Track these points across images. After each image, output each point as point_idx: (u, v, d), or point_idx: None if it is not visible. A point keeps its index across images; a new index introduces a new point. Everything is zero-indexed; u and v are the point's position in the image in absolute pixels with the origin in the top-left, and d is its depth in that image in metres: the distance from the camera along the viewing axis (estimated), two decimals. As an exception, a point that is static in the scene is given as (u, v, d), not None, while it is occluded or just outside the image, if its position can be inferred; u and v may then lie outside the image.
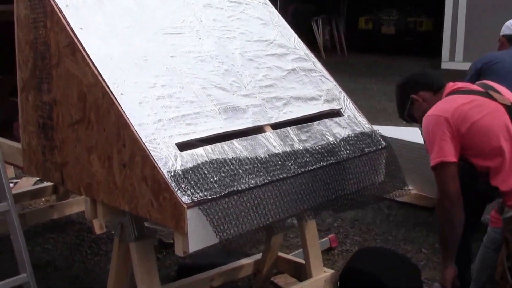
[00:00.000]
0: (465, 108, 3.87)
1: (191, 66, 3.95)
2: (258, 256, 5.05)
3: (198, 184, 3.34)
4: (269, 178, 3.60)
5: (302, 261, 4.77)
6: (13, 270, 5.22)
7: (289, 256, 5.14)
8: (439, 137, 3.84)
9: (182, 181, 3.31)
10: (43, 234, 6.36)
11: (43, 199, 7.12)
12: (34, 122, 4.10)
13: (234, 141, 3.68)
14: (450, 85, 4.16)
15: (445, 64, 17.01)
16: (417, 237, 6.42)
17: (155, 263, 3.81)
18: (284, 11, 21.88)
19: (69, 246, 6.13)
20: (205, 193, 3.31)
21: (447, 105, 3.93)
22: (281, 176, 3.65)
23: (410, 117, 4.29)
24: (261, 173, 3.59)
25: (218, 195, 3.33)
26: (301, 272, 4.78)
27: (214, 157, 3.51)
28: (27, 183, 7.64)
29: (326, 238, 6.10)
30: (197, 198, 3.27)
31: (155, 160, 3.34)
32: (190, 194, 3.27)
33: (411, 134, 10.13)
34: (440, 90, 4.14)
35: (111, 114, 3.52)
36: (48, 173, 4.08)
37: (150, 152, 3.36)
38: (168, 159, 3.38)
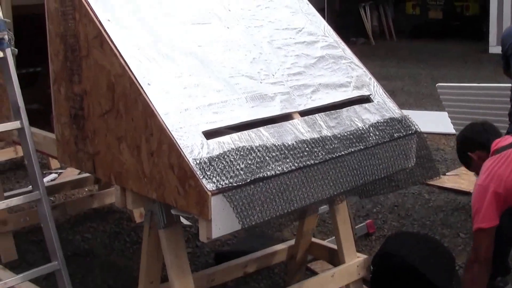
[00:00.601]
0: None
1: (219, 55, 4.00)
2: (292, 242, 5.08)
3: (224, 172, 3.38)
4: (296, 164, 3.63)
5: (336, 247, 4.79)
6: (66, 255, 5.36)
7: (323, 242, 5.16)
8: (485, 206, 4.17)
9: (207, 169, 3.36)
10: (83, 223, 6.47)
11: (85, 189, 7.24)
12: (66, 113, 4.18)
13: (261, 128, 3.72)
14: (494, 144, 4.42)
15: (493, 49, 16.84)
16: (455, 222, 6.41)
17: (185, 249, 3.85)
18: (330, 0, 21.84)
19: (108, 234, 6.23)
20: (231, 180, 3.35)
21: (495, 175, 4.19)
22: (308, 163, 3.68)
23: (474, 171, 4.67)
24: (288, 160, 3.62)
25: (243, 182, 3.37)
26: (335, 258, 4.79)
27: (241, 145, 3.55)
28: (71, 173, 7.76)
29: (363, 224, 6.12)
30: (222, 185, 3.31)
31: (181, 148, 3.39)
32: (215, 181, 3.32)
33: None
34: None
35: (139, 104, 3.58)
36: (80, 163, 4.16)
37: (177, 140, 3.41)
38: (194, 147, 3.43)
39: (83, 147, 4.09)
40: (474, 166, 4.61)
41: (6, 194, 6.41)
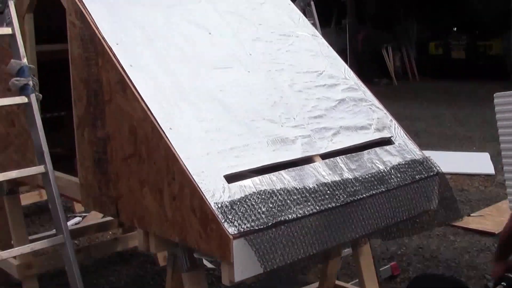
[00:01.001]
0: None
1: (240, 99, 4.04)
2: (316, 285, 5.07)
3: (246, 215, 3.40)
4: (317, 207, 3.64)
5: (360, 290, 4.78)
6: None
7: (347, 285, 5.15)
8: None
9: (229, 212, 3.38)
10: (107, 266, 6.50)
11: (109, 232, 7.27)
12: (89, 157, 4.22)
13: (282, 172, 3.74)
14: None
15: (517, 87, 16.77)
16: (480, 263, 6.37)
17: (208, 293, 3.87)
18: (354, 39, 21.94)
19: (132, 278, 6.25)
20: (252, 224, 3.37)
21: None
22: (330, 206, 3.69)
23: None
24: (309, 203, 3.63)
25: (265, 226, 3.39)
26: (358, 301, 4.79)
27: (262, 188, 3.58)
28: (95, 217, 7.80)
29: (388, 266, 6.10)
30: (244, 229, 3.33)
31: (203, 192, 3.41)
32: (237, 225, 3.34)
33: (480, 160, 10.09)
34: None
35: (160, 148, 3.62)
36: (104, 207, 4.19)
37: (198, 184, 3.44)
38: (216, 191, 3.45)
39: (106, 191, 4.12)
40: None
41: (30, 237, 6.43)
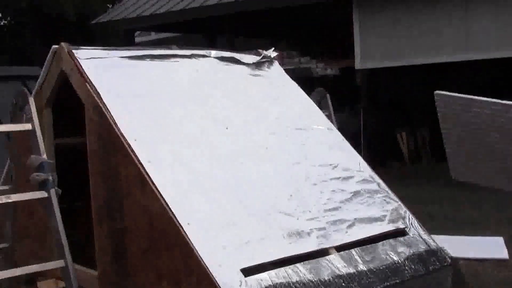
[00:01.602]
0: None
1: (256, 192, 4.12)
2: None
3: (262, 310, 3.45)
4: (333, 304, 3.70)
5: None
6: None
7: None
8: None
9: (246, 306, 3.43)
10: None
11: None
12: (107, 250, 4.29)
13: (298, 264, 3.80)
14: None
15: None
16: None
17: None
18: (367, 124, 22.09)
19: None
20: (269, 317, 3.42)
21: None
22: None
23: None
24: (325, 298, 3.69)
25: (281, 320, 3.44)
26: None
27: (278, 281, 3.64)
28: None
29: None
30: (261, 323, 3.38)
31: (220, 287, 3.47)
32: (252, 319, 3.39)
33: (493, 245, 10.06)
34: None
35: (178, 243, 3.69)
36: (122, 300, 4.24)
37: (216, 278, 3.50)
38: (234, 285, 3.51)
39: (125, 283, 4.18)
40: None
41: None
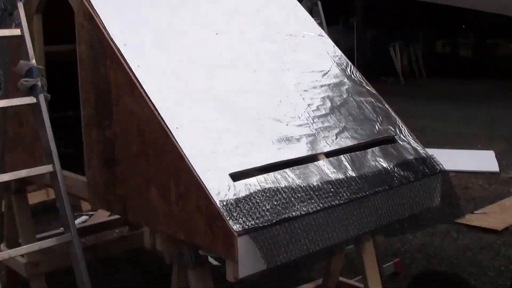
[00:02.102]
0: None
1: (245, 98, 4.10)
2: (319, 281, 5.12)
3: (250, 213, 3.46)
4: (321, 205, 3.70)
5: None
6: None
7: (351, 281, 5.20)
8: None
9: (234, 210, 3.44)
10: (114, 265, 6.55)
11: (116, 231, 7.32)
12: (97, 157, 4.28)
13: (287, 170, 3.80)
14: None
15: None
16: (483, 260, 6.42)
17: (214, 289, 3.92)
18: (361, 38, 21.96)
19: (140, 276, 6.29)
20: (257, 221, 3.43)
21: None
22: (333, 203, 3.75)
23: None
24: (313, 200, 3.70)
25: (269, 223, 3.45)
26: (362, 297, 4.83)
27: (267, 186, 3.64)
28: (102, 215, 7.86)
29: (391, 263, 6.14)
30: (248, 226, 3.39)
31: (208, 191, 3.48)
32: (241, 222, 3.40)
33: (485, 158, 10.12)
34: None
35: (167, 148, 3.68)
36: (111, 205, 4.25)
37: (204, 182, 3.50)
38: (221, 189, 3.51)
39: (114, 190, 4.19)
40: None
41: (38, 236, 6.49)
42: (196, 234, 3.60)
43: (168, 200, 3.75)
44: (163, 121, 3.70)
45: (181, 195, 3.65)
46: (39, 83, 4.23)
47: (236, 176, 3.62)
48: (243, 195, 3.53)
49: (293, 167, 3.84)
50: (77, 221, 7.77)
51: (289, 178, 3.75)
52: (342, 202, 3.79)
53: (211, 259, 5.57)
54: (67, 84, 4.84)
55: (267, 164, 3.77)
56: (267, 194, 3.59)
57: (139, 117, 3.86)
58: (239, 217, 3.41)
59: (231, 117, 3.92)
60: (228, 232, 3.37)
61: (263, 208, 3.51)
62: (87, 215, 8.09)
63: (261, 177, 3.68)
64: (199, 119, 3.81)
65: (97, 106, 4.22)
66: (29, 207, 5.70)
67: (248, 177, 3.65)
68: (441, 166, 4.36)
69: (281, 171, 3.78)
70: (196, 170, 3.54)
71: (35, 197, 7.97)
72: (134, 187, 4.00)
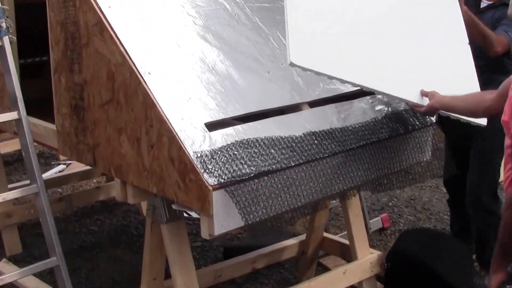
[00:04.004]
0: None
1: (224, 44, 3.80)
2: (303, 237, 4.92)
3: (227, 165, 3.21)
4: (303, 158, 3.45)
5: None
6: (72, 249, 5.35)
7: (335, 237, 4.98)
8: None
9: (209, 162, 3.18)
10: (90, 215, 6.33)
11: (94, 180, 7.10)
12: (66, 104, 4.02)
13: (268, 119, 3.54)
14: None
15: None
16: (473, 216, 6.22)
17: (189, 245, 3.69)
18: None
19: (115, 227, 6.09)
20: (233, 174, 3.18)
21: None
22: (317, 156, 3.51)
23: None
24: (295, 153, 3.45)
25: (247, 176, 3.21)
26: (348, 253, 4.62)
27: (246, 137, 3.38)
28: (80, 165, 7.60)
29: (378, 218, 5.93)
30: (224, 179, 3.15)
31: (181, 141, 3.22)
32: (217, 175, 3.15)
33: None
34: None
35: (138, 94, 3.41)
36: (81, 155, 4.00)
37: (177, 132, 3.24)
38: (196, 140, 3.25)
39: (83, 138, 3.93)
40: None
41: (12, 185, 6.28)
42: (169, 187, 3.35)
43: (139, 150, 3.50)
44: (134, 65, 3.42)
45: (152, 145, 3.40)
46: (3, 25, 3.95)
47: (212, 126, 3.36)
48: (220, 146, 3.28)
49: (275, 117, 3.58)
50: (54, 170, 7.55)
51: (270, 128, 3.49)
52: (327, 155, 3.55)
53: (192, 212, 5.37)
54: (41, 29, 4.55)
55: (246, 114, 3.51)
56: (246, 146, 3.34)
57: (109, 61, 3.59)
58: (215, 170, 3.16)
59: (209, 63, 3.64)
60: (202, 186, 3.13)
61: (241, 160, 3.26)
62: (64, 164, 7.83)
63: (239, 127, 3.42)
64: (174, 64, 3.53)
65: (66, 49, 3.94)
66: (0, 156, 5.47)
67: (225, 127, 3.39)
68: (432, 118, 4.12)
69: (261, 121, 3.52)
70: (169, 118, 3.28)
71: (10, 146, 7.67)
72: (104, 136, 3.74)
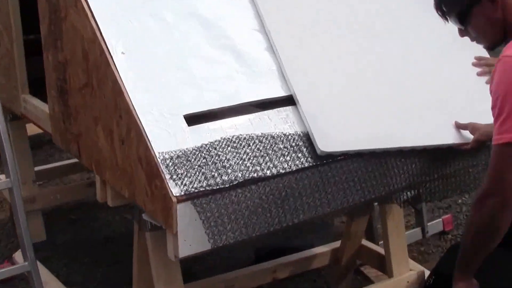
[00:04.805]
0: None
1: (212, 26, 3.13)
2: (337, 243, 4.25)
3: (203, 170, 2.59)
4: (310, 160, 2.80)
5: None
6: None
7: (374, 246, 4.25)
8: None
9: (180, 166, 2.57)
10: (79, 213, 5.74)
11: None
12: (54, 85, 3.48)
13: (267, 112, 2.89)
14: None
15: None
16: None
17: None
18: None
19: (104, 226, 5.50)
20: (210, 182, 2.57)
21: None
22: (328, 159, 2.84)
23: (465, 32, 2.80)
24: (300, 155, 2.79)
25: (228, 185, 2.58)
26: (385, 265, 3.93)
27: (237, 133, 2.75)
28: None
29: (439, 220, 5.13)
30: (195, 188, 2.53)
31: (148, 137, 2.62)
32: (186, 183, 2.54)
33: None
34: None
35: (108, 78, 2.83)
36: (68, 144, 3.46)
37: (144, 126, 2.65)
38: (168, 136, 2.65)
39: (70, 126, 3.39)
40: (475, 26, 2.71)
41: (37, 168, 5.78)
42: (138, 193, 2.78)
43: (113, 145, 2.92)
44: (105, 43, 2.83)
45: (123, 140, 2.82)
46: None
47: (194, 119, 2.74)
48: (199, 145, 2.66)
49: (278, 109, 2.92)
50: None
51: (271, 122, 2.85)
52: (342, 157, 2.87)
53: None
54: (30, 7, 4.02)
55: (238, 104, 2.87)
56: (235, 144, 2.72)
57: (82, 37, 3.01)
58: (185, 176, 2.56)
59: (196, 39, 3.01)
60: (166, 196, 2.53)
61: (225, 163, 2.65)
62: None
63: (228, 121, 2.79)
64: (150, 42, 2.91)
65: (50, 23, 3.39)
66: (26, 136, 5.00)
67: (210, 120, 2.76)
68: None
69: (259, 113, 2.88)
70: (136, 109, 2.68)
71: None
72: (84, 125, 3.19)
